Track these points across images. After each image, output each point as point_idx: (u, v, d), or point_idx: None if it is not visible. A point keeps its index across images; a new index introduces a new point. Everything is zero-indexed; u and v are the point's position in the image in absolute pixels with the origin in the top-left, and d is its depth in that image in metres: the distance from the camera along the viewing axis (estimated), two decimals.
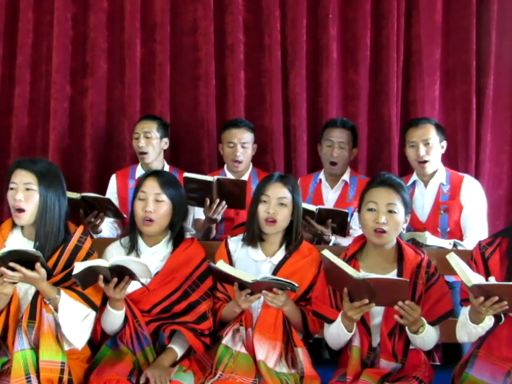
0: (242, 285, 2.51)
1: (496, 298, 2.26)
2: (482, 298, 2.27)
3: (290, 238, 2.80)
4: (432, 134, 3.46)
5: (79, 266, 2.41)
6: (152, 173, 2.82)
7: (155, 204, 2.73)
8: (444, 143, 3.53)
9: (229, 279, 2.54)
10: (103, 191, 3.84)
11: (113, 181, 3.87)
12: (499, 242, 2.56)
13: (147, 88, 4.16)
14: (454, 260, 2.31)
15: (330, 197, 3.71)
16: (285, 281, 2.49)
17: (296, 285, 2.50)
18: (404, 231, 2.72)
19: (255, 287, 2.51)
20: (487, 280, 2.38)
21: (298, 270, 2.72)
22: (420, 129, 3.47)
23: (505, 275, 2.47)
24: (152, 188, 2.75)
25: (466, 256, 2.61)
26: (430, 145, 3.45)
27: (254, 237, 2.79)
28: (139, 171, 3.81)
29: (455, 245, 3.13)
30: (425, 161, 3.45)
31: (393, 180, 2.68)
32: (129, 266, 2.43)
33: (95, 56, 4.16)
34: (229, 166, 3.77)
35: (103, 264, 2.43)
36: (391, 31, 4.01)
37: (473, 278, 2.29)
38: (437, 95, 4.07)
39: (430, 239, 3.06)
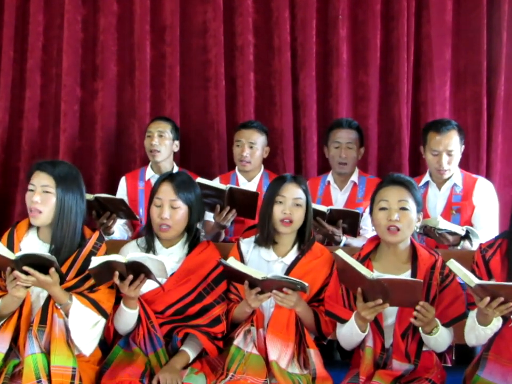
0: (253, 284, 2.50)
1: (502, 299, 2.25)
2: (488, 299, 2.26)
3: (302, 239, 2.80)
4: (455, 143, 3.41)
5: (95, 261, 2.41)
6: (166, 178, 2.80)
7: (171, 211, 2.72)
8: (463, 147, 3.50)
9: (239, 277, 2.53)
10: (113, 193, 3.84)
11: (123, 183, 3.88)
12: (499, 243, 2.57)
13: (157, 90, 4.18)
14: (455, 265, 2.32)
15: (339, 199, 3.71)
16: (295, 281, 2.49)
17: (307, 284, 2.49)
18: (418, 230, 2.71)
19: (265, 286, 2.49)
20: None
21: (311, 271, 2.71)
22: (444, 138, 3.39)
23: (506, 276, 2.48)
24: (167, 194, 2.74)
25: (469, 258, 2.62)
26: (453, 155, 3.41)
27: (269, 238, 2.78)
28: (149, 173, 3.83)
29: (467, 231, 3.11)
30: (446, 170, 3.44)
31: (403, 178, 2.68)
32: (146, 263, 2.43)
33: (105, 59, 4.18)
34: (237, 166, 3.79)
35: (119, 260, 2.43)
36: (401, 32, 4.00)
37: (475, 279, 2.29)
38: (447, 96, 4.05)
39: (442, 223, 3.05)
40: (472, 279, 2.27)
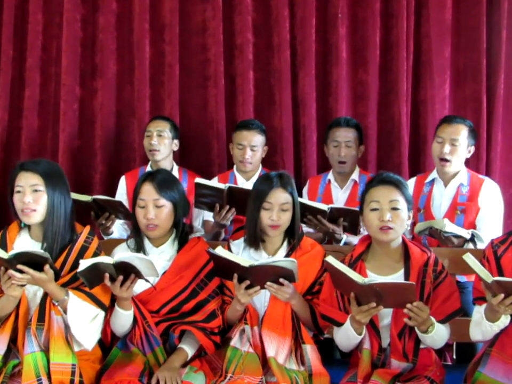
0: (241, 277, 2.50)
1: None
2: (502, 296, 2.26)
3: (291, 235, 2.79)
4: (462, 135, 3.38)
5: (83, 264, 2.41)
6: (147, 178, 2.77)
7: (156, 210, 2.71)
8: (472, 148, 3.46)
9: (227, 268, 2.51)
10: (113, 192, 3.85)
11: (122, 182, 3.88)
12: None
13: (156, 89, 4.17)
14: (471, 259, 2.31)
15: (340, 197, 3.70)
16: (281, 261, 2.48)
17: (295, 261, 2.48)
18: (409, 228, 2.71)
19: (254, 275, 2.48)
20: None
21: (302, 265, 2.67)
22: (451, 127, 3.39)
23: None
24: (149, 194, 2.73)
25: (479, 255, 2.59)
26: (456, 146, 3.37)
27: (257, 240, 2.76)
28: None
29: (473, 235, 3.10)
30: (447, 160, 3.39)
31: (392, 177, 2.67)
32: (134, 263, 2.43)
33: (104, 58, 4.17)
34: (238, 167, 3.78)
35: (107, 261, 2.43)
36: (401, 30, 3.99)
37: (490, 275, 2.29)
38: (447, 94, 4.05)
39: (449, 226, 3.04)
40: (489, 275, 2.26)
